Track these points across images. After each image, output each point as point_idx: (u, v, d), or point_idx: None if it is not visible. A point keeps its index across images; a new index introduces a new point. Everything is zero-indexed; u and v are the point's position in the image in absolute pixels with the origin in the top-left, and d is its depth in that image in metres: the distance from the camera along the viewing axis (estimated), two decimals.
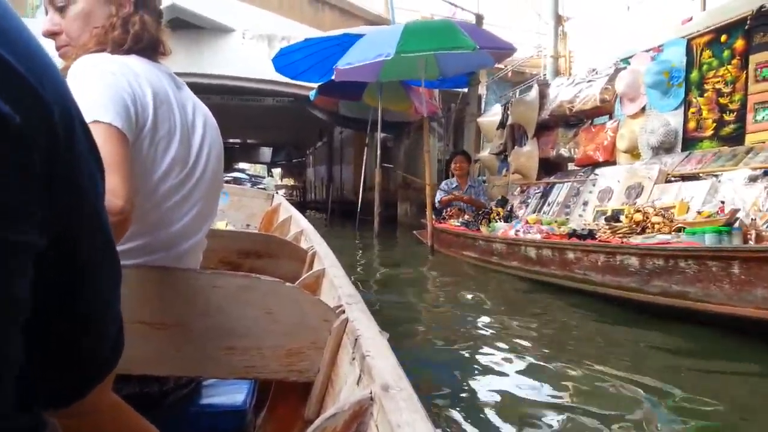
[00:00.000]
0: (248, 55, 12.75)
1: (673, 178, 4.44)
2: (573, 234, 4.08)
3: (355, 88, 10.76)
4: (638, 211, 3.88)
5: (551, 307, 3.96)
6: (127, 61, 1.17)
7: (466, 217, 6.74)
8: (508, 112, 8.17)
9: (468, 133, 9.76)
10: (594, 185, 5.26)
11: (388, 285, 5.52)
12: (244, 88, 13.61)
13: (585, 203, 5.26)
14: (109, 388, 0.62)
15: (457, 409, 2.21)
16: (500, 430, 2.05)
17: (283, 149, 36.67)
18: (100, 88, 1.08)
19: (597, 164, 5.83)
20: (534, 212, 6.04)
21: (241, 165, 53.92)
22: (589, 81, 6.08)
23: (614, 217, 4.05)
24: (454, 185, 7.54)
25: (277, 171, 54.88)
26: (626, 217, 3.99)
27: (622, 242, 3.46)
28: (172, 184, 1.21)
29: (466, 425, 2.07)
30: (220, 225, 3.55)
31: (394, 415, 0.61)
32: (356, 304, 1.15)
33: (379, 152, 10.40)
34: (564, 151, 6.46)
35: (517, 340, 3.26)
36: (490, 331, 3.57)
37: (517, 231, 4.83)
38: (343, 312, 1.12)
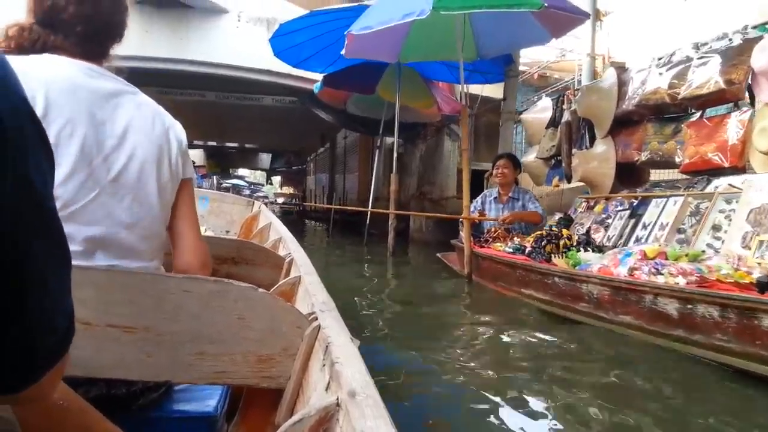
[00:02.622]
0: (243, 40, 11.01)
1: None
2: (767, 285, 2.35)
3: (367, 78, 9.06)
4: None
5: (705, 394, 2.26)
6: (24, 61, 1.15)
7: (517, 240, 5.01)
8: (564, 107, 6.49)
9: (504, 134, 8.02)
10: (730, 202, 3.55)
11: (413, 324, 3.87)
12: (238, 79, 11.86)
13: (716, 228, 3.54)
14: (60, 378, 0.64)
15: None
16: None
17: (283, 155, 35.02)
18: None
19: (717, 171, 4.12)
20: (621, 237, 4.31)
21: (240, 171, 52.58)
22: (701, 58, 4.37)
23: None
24: (493, 196, 5.81)
25: (276, 179, 53.33)
26: None
27: None
28: (77, 185, 1.15)
29: None
30: None
31: (359, 422, 0.62)
32: (329, 312, 1.15)
33: (396, 155, 8.66)
34: (656, 154, 4.74)
35: None
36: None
37: (634, 270, 3.10)
38: (316, 319, 1.11)
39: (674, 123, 4.67)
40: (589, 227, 4.56)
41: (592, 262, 3.55)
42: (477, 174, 10.55)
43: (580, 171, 5.46)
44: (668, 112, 4.72)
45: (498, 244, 5.09)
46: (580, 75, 13.55)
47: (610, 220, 4.58)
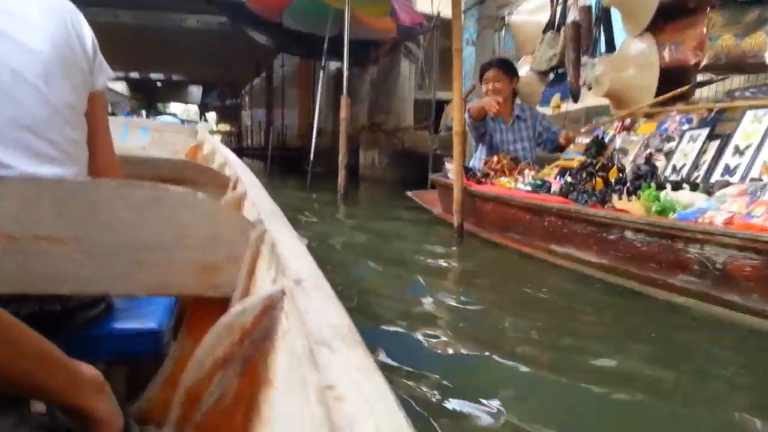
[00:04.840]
0: None
1: None
2: None
3: None
4: None
5: None
6: None
7: (530, 173, 3.59)
8: (569, 3, 5.01)
9: (483, 44, 6.47)
10: None
11: (386, 303, 2.43)
12: None
13: None
14: None
15: None
16: None
17: (215, 88, 32.33)
18: None
19: None
20: (697, 168, 2.95)
21: (172, 107, 49.10)
22: None
23: None
24: (491, 115, 4.32)
25: (212, 115, 50.21)
26: None
27: None
28: None
29: None
30: None
31: (303, 301, 0.59)
32: (277, 218, 1.08)
33: (346, 73, 7.03)
34: (729, 53, 3.34)
35: None
36: None
37: None
38: (262, 223, 1.01)
39: (758, 7, 3.26)
40: (650, 153, 3.15)
41: (706, 207, 2.16)
42: (437, 104, 9.07)
43: (606, 82, 4.02)
44: None
45: (504, 179, 3.66)
46: None
47: (672, 144, 3.19)
